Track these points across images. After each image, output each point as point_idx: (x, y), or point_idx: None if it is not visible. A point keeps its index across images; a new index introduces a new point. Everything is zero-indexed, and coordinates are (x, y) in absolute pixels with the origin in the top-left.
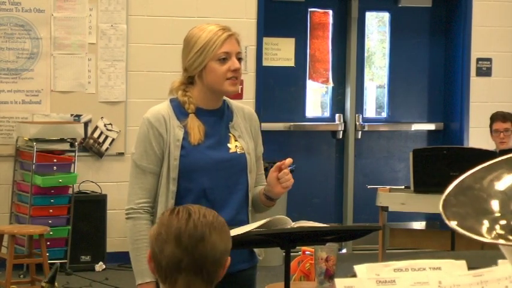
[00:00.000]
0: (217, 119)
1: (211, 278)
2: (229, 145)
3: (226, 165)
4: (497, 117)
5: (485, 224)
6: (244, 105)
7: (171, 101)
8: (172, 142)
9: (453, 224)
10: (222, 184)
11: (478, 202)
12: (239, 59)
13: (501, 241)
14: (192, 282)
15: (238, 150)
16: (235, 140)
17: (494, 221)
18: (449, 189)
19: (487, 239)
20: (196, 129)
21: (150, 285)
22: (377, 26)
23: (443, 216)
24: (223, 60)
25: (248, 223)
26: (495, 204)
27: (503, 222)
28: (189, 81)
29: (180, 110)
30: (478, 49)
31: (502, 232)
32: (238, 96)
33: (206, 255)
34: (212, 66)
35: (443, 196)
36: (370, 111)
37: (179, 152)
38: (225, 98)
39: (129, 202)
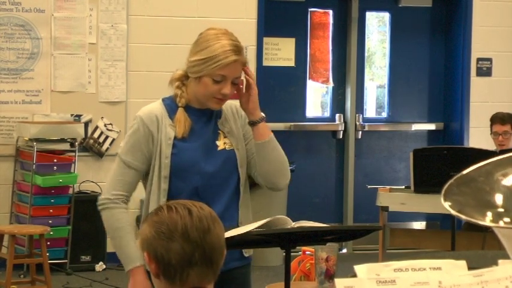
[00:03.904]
0: (207, 117)
1: (218, 268)
2: (217, 142)
3: (217, 164)
4: (496, 120)
5: (489, 216)
6: (233, 101)
7: (164, 100)
8: (164, 141)
9: (451, 209)
10: (214, 182)
11: (480, 193)
12: (234, 83)
13: (501, 223)
14: (204, 275)
15: (227, 146)
16: (225, 137)
17: (498, 216)
18: (453, 179)
19: (485, 222)
20: (182, 122)
21: (141, 269)
22: (377, 26)
23: (443, 202)
24: (219, 81)
25: (237, 218)
26: (499, 198)
27: (507, 219)
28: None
29: (172, 109)
30: (478, 49)
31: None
32: (238, 96)
33: (214, 246)
34: (206, 81)
35: (446, 185)
36: (370, 111)
37: (170, 150)
38: None
39: (104, 193)
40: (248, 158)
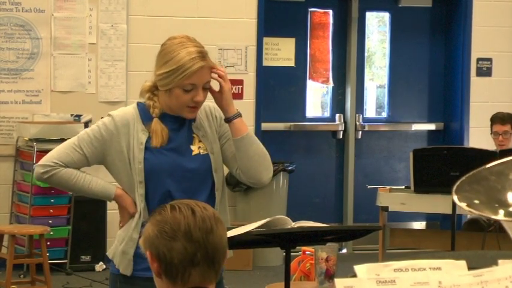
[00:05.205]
0: (182, 122)
1: (220, 268)
2: (192, 147)
3: (190, 168)
4: (496, 120)
5: (501, 213)
6: (206, 103)
7: (138, 104)
8: (136, 146)
9: (461, 202)
10: (186, 186)
11: (492, 192)
12: (205, 88)
13: None
14: (206, 274)
15: (201, 151)
16: (199, 141)
17: (510, 215)
18: (464, 177)
19: (498, 217)
20: (159, 132)
21: (119, 190)
22: (377, 26)
23: (455, 199)
24: (189, 90)
25: None
26: (511, 197)
27: None
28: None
29: (145, 114)
30: (478, 49)
31: None
32: (238, 96)
33: (216, 246)
34: (177, 92)
35: (457, 182)
36: (370, 111)
37: (143, 155)
38: None
39: (46, 160)
40: (229, 156)
